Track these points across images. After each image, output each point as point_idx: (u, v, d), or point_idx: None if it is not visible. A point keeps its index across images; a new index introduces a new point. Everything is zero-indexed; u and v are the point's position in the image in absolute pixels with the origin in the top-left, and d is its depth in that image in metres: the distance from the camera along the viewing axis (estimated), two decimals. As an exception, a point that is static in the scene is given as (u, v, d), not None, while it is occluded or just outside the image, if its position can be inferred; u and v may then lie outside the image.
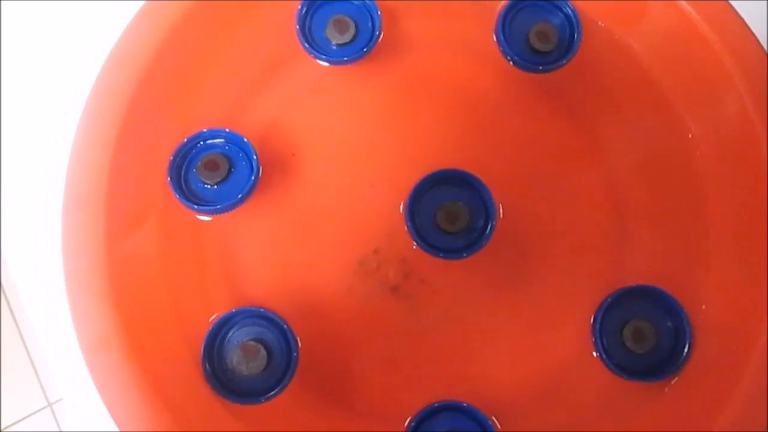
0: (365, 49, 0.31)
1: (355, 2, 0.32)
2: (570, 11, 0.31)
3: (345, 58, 0.31)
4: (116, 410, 0.27)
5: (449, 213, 0.29)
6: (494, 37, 0.31)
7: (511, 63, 0.31)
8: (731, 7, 0.30)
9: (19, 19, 0.37)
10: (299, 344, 0.28)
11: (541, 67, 0.31)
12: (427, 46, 0.32)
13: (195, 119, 0.30)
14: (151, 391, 0.27)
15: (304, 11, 0.31)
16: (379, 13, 0.31)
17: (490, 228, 0.28)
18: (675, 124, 0.30)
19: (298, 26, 0.31)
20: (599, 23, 0.31)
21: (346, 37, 0.31)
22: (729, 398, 0.27)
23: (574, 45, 0.31)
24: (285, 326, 0.28)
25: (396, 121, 0.31)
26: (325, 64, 0.31)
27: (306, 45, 0.31)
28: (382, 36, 0.31)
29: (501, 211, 0.30)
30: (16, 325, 0.88)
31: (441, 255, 0.28)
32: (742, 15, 0.30)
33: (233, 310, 0.28)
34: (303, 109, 0.31)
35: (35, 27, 0.37)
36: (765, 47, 0.30)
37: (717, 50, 0.29)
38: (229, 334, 0.28)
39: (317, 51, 0.31)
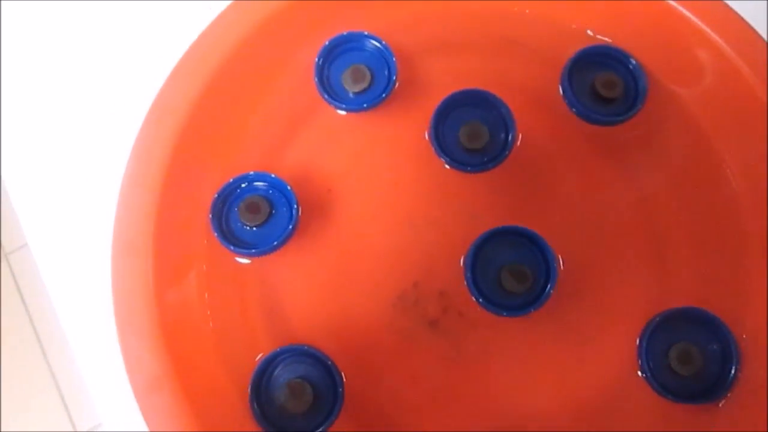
0: (383, 95, 0.32)
1: (369, 49, 0.32)
2: (633, 66, 0.31)
3: (364, 105, 0.32)
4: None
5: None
6: (560, 89, 0.32)
7: (571, 110, 0.31)
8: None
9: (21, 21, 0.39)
10: (344, 380, 0.29)
11: (609, 119, 0.31)
12: (453, 87, 0.32)
13: (234, 165, 0.31)
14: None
15: (321, 62, 0.32)
16: (394, 59, 0.32)
17: (550, 287, 0.29)
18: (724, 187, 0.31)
19: (316, 77, 0.32)
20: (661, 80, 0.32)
21: (362, 85, 0.32)
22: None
23: (639, 98, 0.31)
24: (329, 363, 0.29)
25: (429, 158, 0.32)
26: (344, 113, 0.32)
27: (325, 95, 0.32)
28: (398, 83, 0.32)
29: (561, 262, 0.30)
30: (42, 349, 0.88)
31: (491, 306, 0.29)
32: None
33: (278, 350, 0.29)
34: (337, 150, 0.32)
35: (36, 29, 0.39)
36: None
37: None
38: (275, 372, 0.29)
39: (336, 100, 0.32)
